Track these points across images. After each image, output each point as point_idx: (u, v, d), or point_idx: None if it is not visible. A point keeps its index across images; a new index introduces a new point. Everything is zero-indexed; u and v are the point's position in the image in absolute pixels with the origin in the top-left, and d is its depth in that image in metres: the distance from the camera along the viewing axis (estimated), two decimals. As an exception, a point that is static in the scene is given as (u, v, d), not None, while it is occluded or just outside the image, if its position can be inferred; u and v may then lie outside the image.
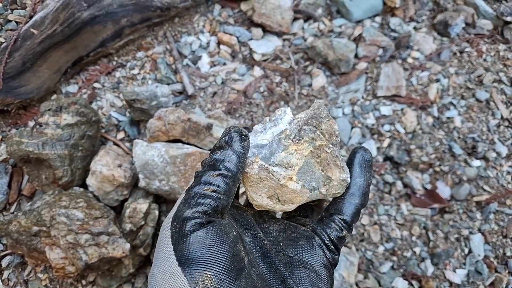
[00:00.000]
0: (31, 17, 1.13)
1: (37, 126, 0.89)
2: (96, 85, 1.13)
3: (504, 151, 0.96)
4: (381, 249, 0.87)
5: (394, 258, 0.87)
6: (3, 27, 1.17)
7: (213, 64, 1.16)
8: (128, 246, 0.78)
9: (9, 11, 1.19)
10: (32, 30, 1.07)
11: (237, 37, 1.19)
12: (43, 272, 0.93)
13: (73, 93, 1.12)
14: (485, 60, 1.11)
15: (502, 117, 1.01)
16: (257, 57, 1.16)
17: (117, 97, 1.11)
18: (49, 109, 0.90)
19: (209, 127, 0.92)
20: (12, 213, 0.98)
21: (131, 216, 0.83)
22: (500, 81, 1.06)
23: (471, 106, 1.01)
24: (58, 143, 0.88)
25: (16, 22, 1.17)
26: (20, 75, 1.08)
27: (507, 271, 0.88)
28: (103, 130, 1.05)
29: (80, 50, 1.12)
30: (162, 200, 0.96)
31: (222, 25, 1.21)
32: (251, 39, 1.20)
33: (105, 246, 0.77)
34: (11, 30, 1.16)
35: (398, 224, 0.89)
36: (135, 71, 1.14)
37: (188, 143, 0.93)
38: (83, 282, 0.91)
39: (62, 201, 0.80)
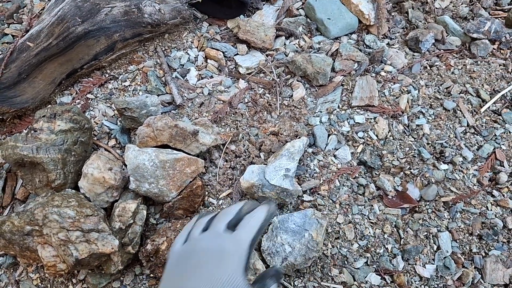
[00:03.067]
0: (27, 31, 1.23)
1: (32, 131, 0.97)
2: (89, 96, 1.23)
3: (470, 155, 1.06)
4: (355, 246, 0.95)
5: (368, 255, 0.95)
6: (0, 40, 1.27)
7: (200, 77, 1.26)
8: (117, 242, 0.85)
9: (6, 25, 1.30)
10: (28, 43, 1.17)
11: (224, 52, 1.30)
12: (35, 272, 0.99)
13: (67, 103, 1.21)
14: (453, 73, 1.22)
15: (468, 125, 1.11)
16: (242, 70, 1.26)
17: (109, 107, 1.20)
18: (43, 116, 0.99)
19: (195, 133, 1.01)
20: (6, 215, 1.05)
21: (120, 215, 0.90)
22: (466, 92, 1.18)
23: (439, 114, 1.12)
24: (52, 147, 0.96)
25: (12, 36, 1.28)
26: (16, 85, 1.17)
27: (473, 266, 0.97)
28: (95, 138, 1.14)
29: (74, 62, 1.22)
30: (150, 203, 1.03)
31: (210, 41, 1.33)
32: (237, 54, 1.31)
33: (95, 243, 0.84)
34: (7, 43, 1.27)
35: (371, 222, 0.98)
36: (127, 83, 1.24)
37: (175, 149, 1.02)
38: (74, 280, 0.97)
39: (55, 201, 0.88)
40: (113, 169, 0.98)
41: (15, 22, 1.29)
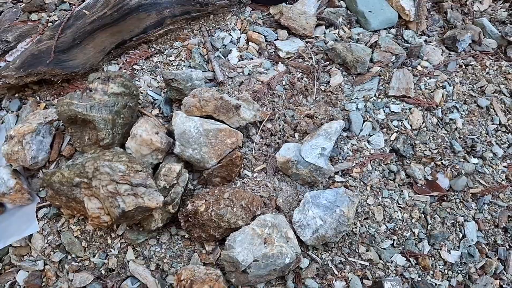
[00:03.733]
0: (83, 0, 1.29)
1: (87, 91, 1.03)
2: (135, 67, 1.29)
3: (500, 152, 1.09)
4: (383, 227, 0.99)
5: (395, 237, 0.99)
6: (57, 7, 1.34)
7: (241, 58, 1.32)
8: (162, 198, 0.91)
9: (64, -7, 1.37)
10: (84, 11, 1.23)
11: (265, 36, 1.35)
12: (76, 224, 1.06)
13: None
14: (488, 73, 1.25)
15: (500, 123, 1.14)
16: (281, 54, 1.31)
17: (154, 79, 1.26)
18: (98, 78, 1.05)
19: (237, 107, 1.06)
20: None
21: (165, 175, 0.96)
22: (500, 92, 1.21)
23: (473, 111, 1.15)
24: (104, 108, 1.02)
25: (70, 3, 1.35)
26: (69, 50, 1.24)
27: (497, 257, 0.99)
28: (139, 106, 1.19)
29: (125, 34, 1.28)
30: (189, 169, 1.08)
31: (252, 25, 1.38)
32: (277, 39, 1.36)
33: (142, 197, 0.90)
34: (64, 10, 1.33)
35: (400, 207, 1.02)
36: (172, 58, 1.30)
37: (218, 120, 1.07)
38: (112, 235, 1.03)
39: (106, 156, 0.94)
40: (159, 133, 1.04)
41: (72, -9, 1.37)
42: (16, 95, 1.28)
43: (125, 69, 1.30)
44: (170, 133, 1.11)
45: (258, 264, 0.91)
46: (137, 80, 1.28)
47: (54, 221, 1.09)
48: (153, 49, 1.33)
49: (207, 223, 0.96)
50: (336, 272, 0.97)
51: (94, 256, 1.04)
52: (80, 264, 1.04)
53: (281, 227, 0.97)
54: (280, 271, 0.94)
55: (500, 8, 1.44)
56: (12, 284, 1.03)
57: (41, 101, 1.27)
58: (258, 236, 0.93)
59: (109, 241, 1.04)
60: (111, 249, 1.03)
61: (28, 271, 1.04)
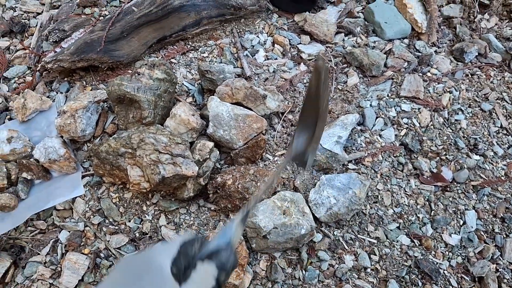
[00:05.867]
0: (132, -2, 1.45)
1: (136, 74, 1.18)
2: (173, 60, 1.44)
3: (500, 152, 1.19)
4: (390, 211, 1.10)
5: (401, 221, 1.09)
6: (108, 3, 1.50)
7: (267, 58, 1.46)
8: (197, 168, 1.03)
9: (116, -8, 1.53)
10: (133, 7, 1.39)
11: (289, 40, 1.49)
12: (115, 192, 1.18)
13: (157, 61, 1.41)
14: (492, 82, 1.37)
15: (501, 126, 1.25)
16: (304, 56, 1.45)
17: (189, 72, 1.41)
18: (145, 64, 1.20)
19: (264, 96, 1.19)
20: (99, 142, 1.24)
21: (200, 149, 1.09)
22: (503, 99, 1.32)
23: (476, 114, 1.26)
24: (149, 90, 1.16)
25: (120, 1, 1.51)
26: (117, 41, 1.39)
27: (494, 244, 1.09)
28: (176, 94, 1.33)
29: (166, 30, 1.44)
30: (218, 149, 1.21)
31: (278, 29, 1.52)
32: (300, 43, 1.50)
33: (180, 166, 1.03)
34: (115, 6, 1.50)
35: (406, 194, 1.12)
36: (205, 54, 1.45)
37: (246, 107, 1.20)
38: (147, 202, 1.15)
39: (151, 130, 1.07)
40: (195, 115, 1.17)
41: (122, -9, 1.54)
42: (65, 79, 1.43)
43: (164, 61, 1.45)
44: (202, 117, 1.24)
45: (277, 231, 1.02)
46: (174, 72, 1.42)
47: (96, 188, 1.22)
48: (189, 46, 1.48)
49: (233, 194, 1.07)
50: (346, 247, 1.07)
51: (129, 221, 1.16)
52: (116, 227, 1.15)
53: (299, 203, 1.08)
54: (295, 241, 1.04)
55: (506, 26, 1.57)
56: (55, 242, 1.15)
57: (87, 85, 1.42)
58: (278, 208, 1.04)
59: (144, 208, 1.16)
60: (145, 215, 1.15)
61: (69, 231, 1.16)
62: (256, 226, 1.01)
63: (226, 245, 0.57)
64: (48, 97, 1.38)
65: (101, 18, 1.46)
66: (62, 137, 1.24)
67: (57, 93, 1.41)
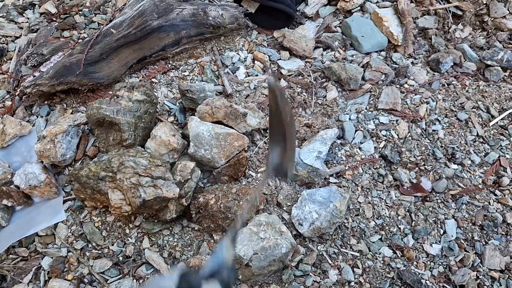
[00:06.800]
0: (111, 20, 1.49)
1: (115, 97, 1.19)
2: (153, 80, 1.46)
3: (477, 160, 1.23)
4: (372, 223, 1.12)
5: (382, 232, 1.12)
6: (87, 26, 1.53)
7: (248, 74, 1.49)
8: (177, 190, 1.05)
9: (93, 14, 1.56)
10: (111, 29, 1.42)
11: (269, 56, 1.53)
12: (97, 215, 1.19)
13: (137, 82, 1.43)
14: (467, 91, 1.42)
15: (477, 134, 1.30)
16: (284, 72, 1.48)
17: (170, 91, 1.43)
18: (124, 86, 1.22)
19: (244, 114, 1.22)
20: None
21: (181, 170, 1.10)
22: (478, 107, 1.37)
23: (453, 123, 1.30)
24: (128, 112, 1.18)
25: (98, 23, 1.54)
26: (96, 63, 1.41)
27: (474, 252, 1.12)
28: (157, 114, 1.35)
29: (145, 51, 1.46)
30: (200, 169, 1.23)
31: (258, 46, 1.56)
32: (280, 59, 1.54)
33: (161, 188, 1.04)
34: (93, 28, 1.52)
35: (387, 205, 1.15)
36: (186, 73, 1.48)
37: (227, 125, 1.22)
38: (130, 225, 1.16)
39: (130, 152, 1.09)
40: (175, 135, 1.19)
41: (101, 13, 1.56)
42: (46, 102, 1.44)
43: (144, 81, 1.47)
44: (184, 137, 1.25)
45: (258, 256, 1.03)
46: (155, 92, 1.44)
47: (78, 213, 1.22)
48: (169, 65, 1.51)
49: (216, 214, 1.09)
50: (330, 262, 1.09)
51: (113, 244, 1.16)
52: (100, 251, 1.16)
53: (275, 224, 1.10)
54: (279, 261, 1.06)
55: (479, 36, 1.63)
56: (37, 269, 1.15)
57: (67, 108, 1.43)
58: (255, 233, 1.06)
59: (127, 231, 1.17)
60: (128, 238, 1.16)
61: (52, 257, 1.16)
62: (237, 257, 1.03)
63: (222, 265, 0.60)
64: (28, 121, 1.39)
65: (80, 41, 1.48)
66: (42, 162, 1.24)
67: (37, 117, 1.41)
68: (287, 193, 1.21)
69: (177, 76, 1.49)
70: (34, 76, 1.38)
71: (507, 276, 1.09)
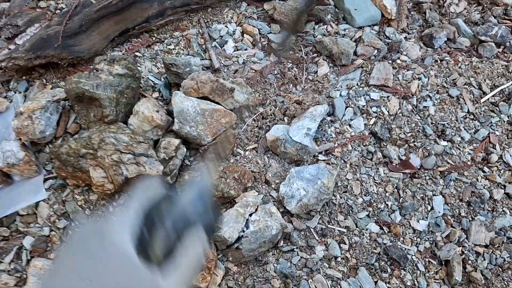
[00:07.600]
0: (91, -9, 1.40)
1: (94, 71, 1.15)
2: (137, 54, 1.41)
3: (467, 137, 1.23)
4: (360, 200, 1.12)
5: (370, 209, 1.12)
6: (66, -3, 1.45)
7: (236, 49, 1.44)
8: (161, 167, 1.03)
9: (72, -15, 1.48)
10: (91, 0, 1.34)
11: (259, 29, 1.48)
12: (80, 194, 1.17)
13: (119, 56, 1.38)
14: (460, 67, 1.40)
15: (468, 111, 1.29)
16: (274, 46, 1.43)
17: (154, 65, 1.38)
18: (104, 59, 1.17)
19: (232, 89, 1.18)
20: (61, 143, 1.21)
21: (165, 147, 1.08)
22: (470, 84, 1.35)
23: (444, 100, 1.29)
24: (109, 87, 1.14)
25: (78, -6, 1.45)
26: (76, 36, 1.35)
27: (460, 228, 1.13)
28: (141, 89, 1.31)
29: (128, 22, 1.40)
30: (187, 147, 1.20)
31: (247, 18, 1.51)
32: (270, 32, 1.49)
33: (144, 165, 1.02)
34: None
35: (375, 182, 1.15)
36: (171, 47, 1.42)
37: (213, 101, 1.19)
38: (114, 204, 1.14)
39: (111, 129, 1.06)
40: (159, 111, 1.16)
41: (79, -18, 1.48)
42: (24, 77, 1.38)
43: (127, 55, 1.42)
44: (169, 113, 1.22)
45: (248, 239, 1.03)
46: (138, 66, 1.39)
47: (60, 191, 1.20)
48: (154, 38, 1.45)
49: (202, 191, 1.07)
50: (317, 238, 1.10)
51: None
52: (83, 230, 1.14)
53: (264, 205, 1.09)
54: (270, 242, 1.06)
55: (474, 11, 1.60)
56: (19, 248, 1.13)
57: (47, 83, 1.38)
58: (241, 215, 1.05)
59: (111, 210, 1.15)
60: (113, 216, 1.14)
61: (34, 237, 1.14)
62: (221, 238, 1.01)
63: (206, 195, 0.48)
64: (5, 97, 1.33)
65: (58, 11, 1.41)
66: (20, 139, 1.20)
67: (15, 92, 1.36)
68: (275, 171, 1.20)
69: (162, 50, 1.44)
70: (9, 49, 1.32)
71: (491, 250, 1.11)
